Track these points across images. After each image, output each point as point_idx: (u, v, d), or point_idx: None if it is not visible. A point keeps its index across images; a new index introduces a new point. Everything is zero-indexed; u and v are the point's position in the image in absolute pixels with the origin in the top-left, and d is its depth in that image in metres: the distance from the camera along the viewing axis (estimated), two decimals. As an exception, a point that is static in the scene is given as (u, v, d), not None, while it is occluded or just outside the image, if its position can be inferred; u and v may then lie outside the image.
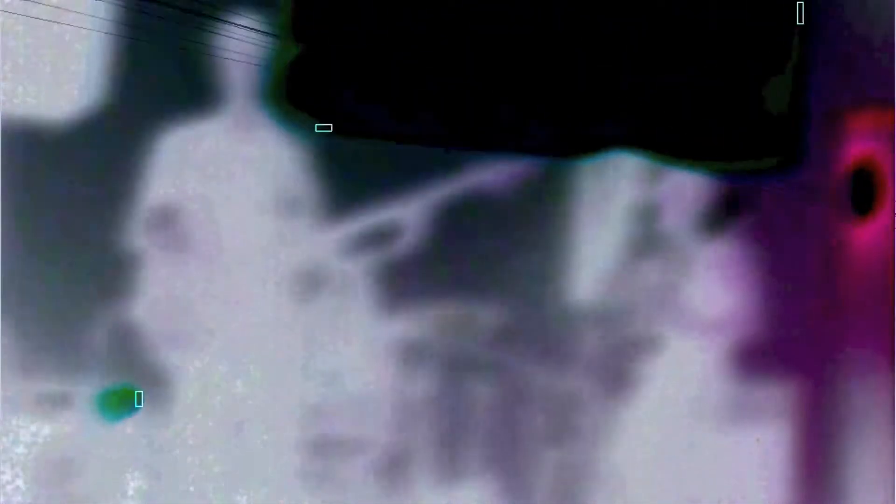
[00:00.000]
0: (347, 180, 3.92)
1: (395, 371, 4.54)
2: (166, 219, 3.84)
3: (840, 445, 5.19)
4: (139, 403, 4.11)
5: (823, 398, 5.24)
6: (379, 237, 3.88)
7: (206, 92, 3.84)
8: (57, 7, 3.96)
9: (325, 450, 4.32)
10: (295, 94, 3.83)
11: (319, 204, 3.87)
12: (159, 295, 3.82)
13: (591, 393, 4.21)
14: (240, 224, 3.82)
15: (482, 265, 5.16)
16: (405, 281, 4.17)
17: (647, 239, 4.42)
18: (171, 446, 3.96)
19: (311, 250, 3.85)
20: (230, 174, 3.83)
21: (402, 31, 4.42)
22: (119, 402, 4.14)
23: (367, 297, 4.45)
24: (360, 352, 4.40)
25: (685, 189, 4.45)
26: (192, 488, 3.91)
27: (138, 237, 3.83)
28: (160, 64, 4.19)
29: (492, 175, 3.79)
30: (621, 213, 4.96)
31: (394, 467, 4.28)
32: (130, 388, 4.12)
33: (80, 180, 4.42)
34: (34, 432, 4.17)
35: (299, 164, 3.81)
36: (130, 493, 4.22)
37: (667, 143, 4.78)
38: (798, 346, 5.25)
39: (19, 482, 4.12)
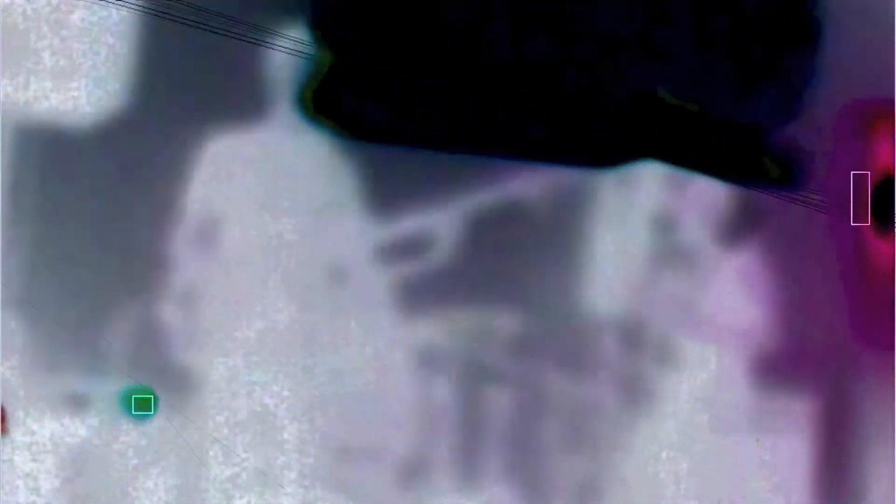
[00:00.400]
0: (380, 187, 3.93)
1: (413, 377, 4.54)
2: (206, 224, 3.85)
3: (856, 456, 5.19)
4: (155, 408, 4.13)
5: (842, 409, 5.23)
6: (411, 246, 3.89)
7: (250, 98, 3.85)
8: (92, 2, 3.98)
9: (339, 455, 4.32)
10: (322, 101, 3.84)
11: (351, 209, 3.88)
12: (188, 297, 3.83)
13: (610, 403, 4.20)
14: (265, 226, 3.83)
15: (505, 274, 5.17)
16: (429, 288, 4.18)
17: (666, 249, 4.41)
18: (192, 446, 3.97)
19: (340, 254, 3.86)
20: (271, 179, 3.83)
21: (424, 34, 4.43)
22: (137, 404, 4.15)
23: (390, 303, 4.46)
24: (377, 357, 4.40)
25: (705, 198, 4.45)
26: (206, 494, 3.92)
27: (176, 242, 3.83)
28: (195, 66, 4.20)
29: (523, 184, 3.80)
30: (641, 222, 4.97)
31: (409, 474, 4.28)
32: (149, 390, 4.13)
33: (109, 183, 4.43)
34: (54, 430, 4.18)
35: (332, 169, 3.82)
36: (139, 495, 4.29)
37: (687, 153, 4.78)
38: (818, 357, 5.25)
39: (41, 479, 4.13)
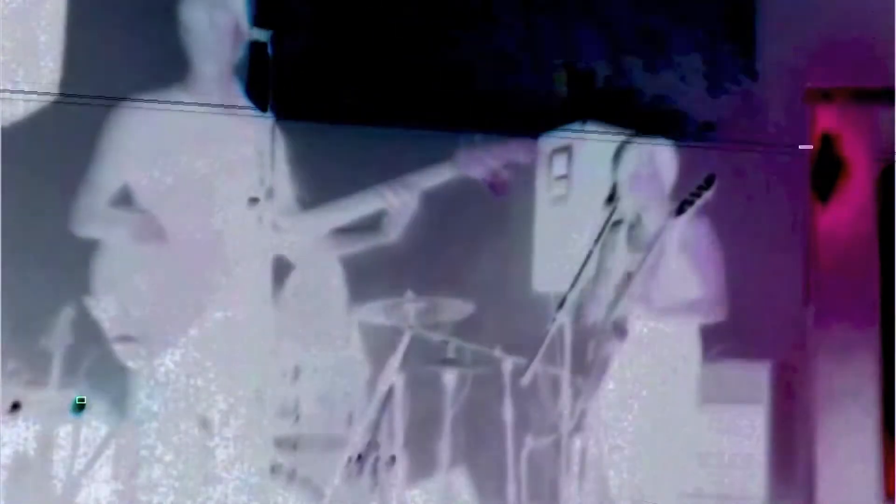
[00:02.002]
0: (325, 170, 3.85)
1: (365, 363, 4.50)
2: (129, 207, 3.73)
3: (815, 427, 5.21)
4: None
5: (798, 381, 5.25)
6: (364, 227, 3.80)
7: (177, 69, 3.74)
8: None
9: (295, 446, 4.26)
10: (257, 81, 3.75)
11: (297, 194, 3.79)
12: (125, 289, 3.71)
13: (563, 380, 4.16)
14: (217, 213, 3.73)
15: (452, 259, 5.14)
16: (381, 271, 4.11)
17: (614, 221, 4.37)
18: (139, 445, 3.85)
19: (289, 240, 3.77)
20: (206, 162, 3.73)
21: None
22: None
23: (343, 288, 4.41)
24: (333, 343, 4.35)
25: (652, 165, 4.42)
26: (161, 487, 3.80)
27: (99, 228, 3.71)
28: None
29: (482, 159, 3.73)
30: (587, 194, 4.92)
31: (365, 461, 4.21)
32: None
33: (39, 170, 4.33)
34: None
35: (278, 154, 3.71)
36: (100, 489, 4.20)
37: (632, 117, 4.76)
38: (770, 329, 5.26)
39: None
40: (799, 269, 5.36)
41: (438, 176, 3.77)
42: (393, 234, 3.80)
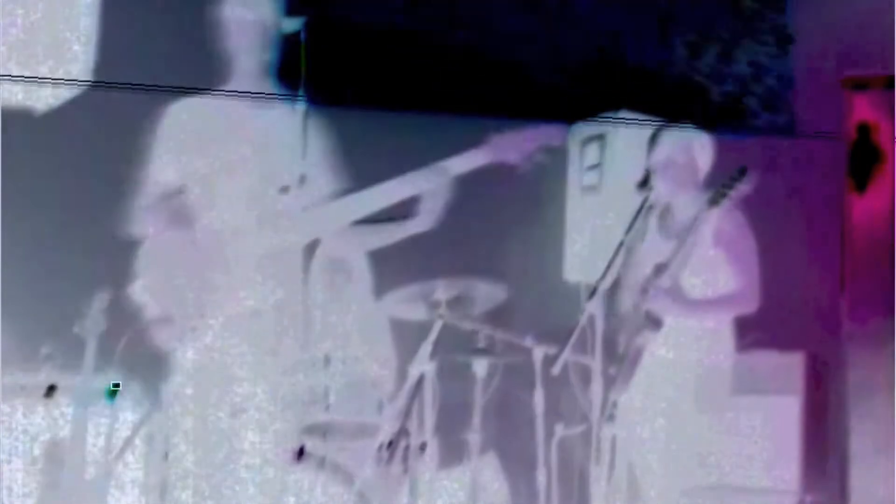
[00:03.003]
0: (357, 157, 3.83)
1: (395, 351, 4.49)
2: (168, 200, 3.74)
3: (848, 418, 5.16)
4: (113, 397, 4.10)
5: (831, 372, 5.21)
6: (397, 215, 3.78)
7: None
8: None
9: (326, 433, 4.25)
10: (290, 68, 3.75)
11: (329, 182, 3.78)
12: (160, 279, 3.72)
13: (594, 370, 4.15)
14: (242, 203, 3.73)
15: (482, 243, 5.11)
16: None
17: (646, 208, 4.34)
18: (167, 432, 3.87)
19: (319, 228, 3.76)
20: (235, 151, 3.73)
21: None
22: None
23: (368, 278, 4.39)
24: (363, 332, 4.34)
25: (687, 152, 4.39)
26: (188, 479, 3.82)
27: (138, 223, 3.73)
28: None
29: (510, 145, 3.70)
30: (619, 184, 4.88)
31: (395, 449, 4.21)
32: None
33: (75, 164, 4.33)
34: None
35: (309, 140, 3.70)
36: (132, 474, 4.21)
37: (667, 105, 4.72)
38: (804, 320, 5.22)
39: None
40: (834, 258, 5.32)
41: (471, 161, 3.74)
42: (427, 221, 3.78)
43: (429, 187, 3.73)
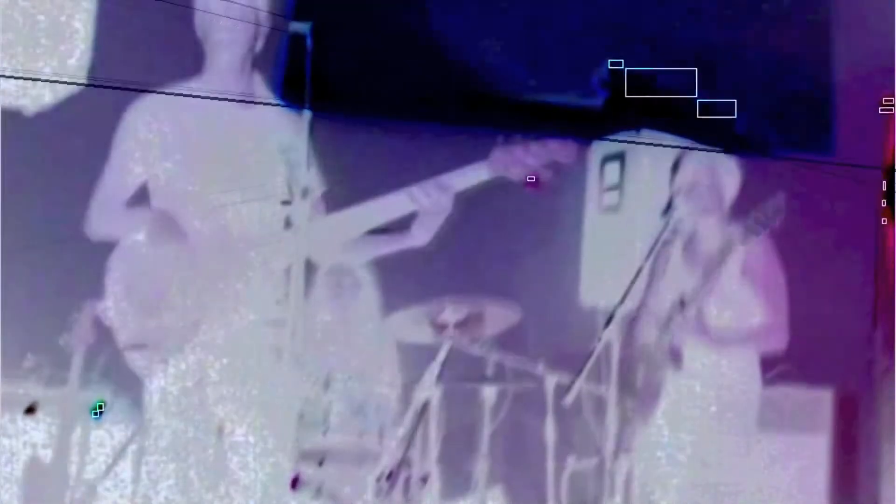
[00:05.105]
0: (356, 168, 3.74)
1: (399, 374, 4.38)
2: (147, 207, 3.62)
3: (879, 458, 5.01)
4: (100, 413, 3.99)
5: (863, 409, 5.06)
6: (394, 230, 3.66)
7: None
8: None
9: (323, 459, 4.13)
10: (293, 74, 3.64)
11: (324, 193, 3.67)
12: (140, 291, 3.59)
13: (609, 401, 4.01)
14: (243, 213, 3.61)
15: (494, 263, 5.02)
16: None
17: (669, 233, 4.19)
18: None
19: (317, 243, 3.64)
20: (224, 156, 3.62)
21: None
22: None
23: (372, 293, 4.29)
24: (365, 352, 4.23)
25: (712, 176, 4.24)
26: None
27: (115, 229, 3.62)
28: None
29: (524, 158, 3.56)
30: (640, 205, 4.77)
31: (396, 479, 4.07)
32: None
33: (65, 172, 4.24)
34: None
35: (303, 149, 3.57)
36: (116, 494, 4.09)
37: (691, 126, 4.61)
38: (835, 353, 5.07)
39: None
40: (867, 290, 5.16)
41: (474, 177, 3.62)
42: (423, 237, 3.65)
43: (427, 202, 3.61)
